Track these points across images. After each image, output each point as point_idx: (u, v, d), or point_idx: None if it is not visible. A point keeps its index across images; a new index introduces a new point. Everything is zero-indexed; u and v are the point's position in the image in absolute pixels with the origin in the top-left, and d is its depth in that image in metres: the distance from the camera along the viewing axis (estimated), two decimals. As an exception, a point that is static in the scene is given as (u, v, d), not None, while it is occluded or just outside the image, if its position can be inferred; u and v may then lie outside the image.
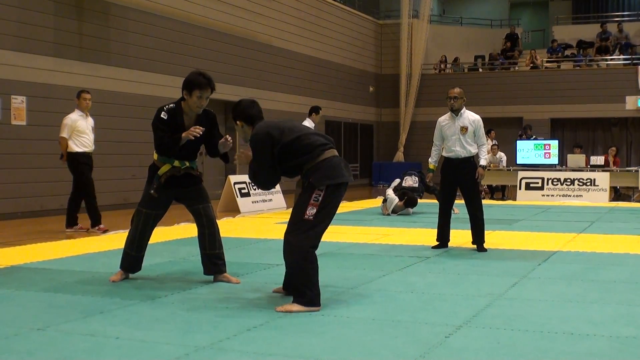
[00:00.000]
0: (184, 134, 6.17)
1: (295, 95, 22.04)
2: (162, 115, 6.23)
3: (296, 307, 5.31)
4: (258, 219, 12.90)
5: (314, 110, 13.86)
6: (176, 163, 6.37)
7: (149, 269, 7.22)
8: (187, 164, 6.43)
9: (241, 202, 14.49)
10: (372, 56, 27.89)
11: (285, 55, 21.67)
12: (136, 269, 6.66)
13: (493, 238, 9.76)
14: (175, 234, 10.38)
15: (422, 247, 8.89)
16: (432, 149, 9.01)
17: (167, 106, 6.33)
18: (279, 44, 21.34)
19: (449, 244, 8.91)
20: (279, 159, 5.52)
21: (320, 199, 5.40)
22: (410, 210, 13.51)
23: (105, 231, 10.74)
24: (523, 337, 4.59)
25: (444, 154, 8.80)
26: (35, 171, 13.40)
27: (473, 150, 8.66)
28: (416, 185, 14.03)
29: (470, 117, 8.75)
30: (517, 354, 4.25)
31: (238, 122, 5.83)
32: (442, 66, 28.41)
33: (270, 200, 15.40)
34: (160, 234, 9.98)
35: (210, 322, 4.99)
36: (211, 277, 6.55)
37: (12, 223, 12.25)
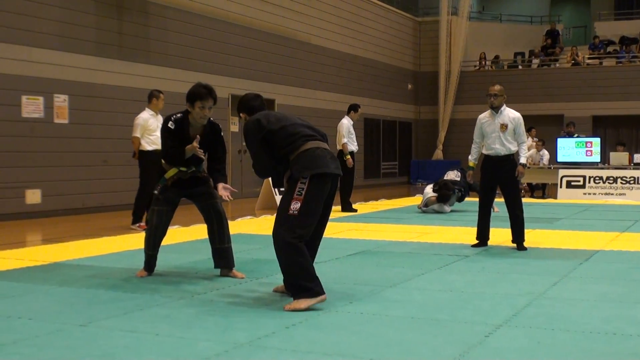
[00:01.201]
0: (188, 147, 6.33)
1: (334, 93, 22.03)
2: (169, 125, 6.39)
3: (304, 302, 5.23)
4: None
5: (352, 109, 13.85)
6: (182, 168, 6.52)
7: (188, 266, 7.28)
8: (194, 168, 6.55)
9: (279, 199, 14.49)
10: (411, 54, 27.78)
11: (324, 53, 21.67)
12: (152, 268, 6.78)
13: (533, 237, 9.67)
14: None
15: (461, 246, 8.84)
16: (472, 146, 8.96)
17: (174, 116, 6.46)
18: (318, 42, 21.35)
19: (489, 243, 8.85)
20: (268, 148, 5.55)
21: (303, 192, 5.35)
22: (447, 208, 13.41)
23: (145, 230, 10.83)
24: (564, 337, 4.54)
25: (484, 151, 8.74)
26: (77, 169, 13.55)
27: (513, 148, 8.59)
28: (457, 179, 13.92)
29: (511, 114, 8.67)
30: (558, 354, 4.20)
31: (242, 115, 5.92)
32: (482, 63, 28.21)
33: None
34: (197, 232, 10.04)
35: (248, 319, 5.00)
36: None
37: (54, 220, 12.40)
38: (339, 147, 13.46)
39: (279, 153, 5.54)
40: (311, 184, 5.37)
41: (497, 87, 8.67)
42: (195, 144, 6.31)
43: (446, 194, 13.27)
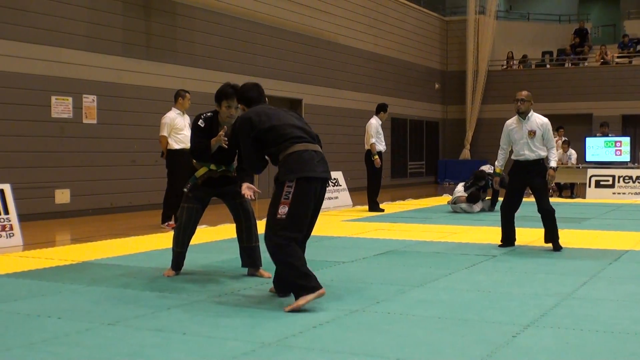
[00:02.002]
0: (213, 140, 6.37)
1: (361, 92, 22.01)
2: (199, 123, 6.49)
3: (302, 300, 5.22)
4: (324, 217, 12.90)
5: (381, 109, 13.81)
6: (212, 167, 6.56)
7: (215, 265, 7.31)
8: (224, 167, 6.59)
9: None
10: (438, 53, 27.69)
11: (351, 52, 21.66)
12: (180, 266, 6.82)
13: (562, 237, 9.58)
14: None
15: (489, 246, 8.80)
16: (499, 152, 8.92)
17: (204, 114, 6.55)
18: (345, 41, 21.35)
19: (516, 243, 8.80)
20: (259, 145, 5.57)
21: (290, 195, 5.32)
22: (476, 207, 13.35)
23: (174, 228, 10.89)
24: (592, 338, 4.51)
25: (513, 156, 8.69)
26: (105, 169, 13.66)
27: (542, 153, 8.52)
28: (491, 171, 13.86)
29: (538, 120, 8.59)
30: (586, 354, 4.17)
31: (240, 105, 5.96)
32: (510, 63, 28.06)
33: (337, 197, 15.43)
34: (225, 232, 10.08)
35: (275, 318, 5.01)
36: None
37: (83, 220, 12.50)
38: (367, 147, 13.45)
39: (268, 151, 5.57)
40: (297, 188, 5.33)
41: (524, 93, 8.59)
42: (222, 133, 6.31)
43: (476, 194, 13.23)
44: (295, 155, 5.41)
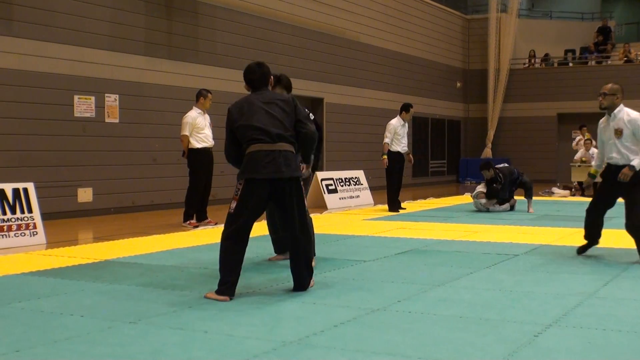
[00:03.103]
0: None
1: (382, 91, 21.98)
2: None
3: (212, 294, 5.68)
4: (345, 215, 12.92)
5: (404, 108, 13.74)
6: None
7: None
8: None
9: (328, 198, 14.57)
10: (460, 51, 27.60)
11: (372, 51, 21.63)
12: (280, 249, 7.52)
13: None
14: (262, 230, 10.47)
15: (510, 245, 8.76)
16: (597, 152, 8.08)
17: None
18: (366, 40, 21.33)
19: (538, 242, 8.73)
20: (235, 139, 5.91)
21: (239, 193, 5.75)
22: (499, 206, 13.28)
23: (196, 227, 10.94)
24: (616, 337, 4.48)
25: (606, 159, 7.71)
26: (127, 168, 13.72)
27: (632, 156, 7.36)
28: (506, 165, 13.94)
29: (626, 116, 7.43)
30: (610, 354, 4.14)
31: (246, 86, 6.14)
32: (531, 61, 27.91)
33: (358, 196, 15.43)
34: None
35: (296, 317, 5.02)
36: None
37: (105, 218, 12.57)
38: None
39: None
40: (245, 187, 5.73)
41: (608, 86, 7.52)
42: None
43: (495, 189, 13.15)
44: (248, 156, 5.76)
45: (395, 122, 13.50)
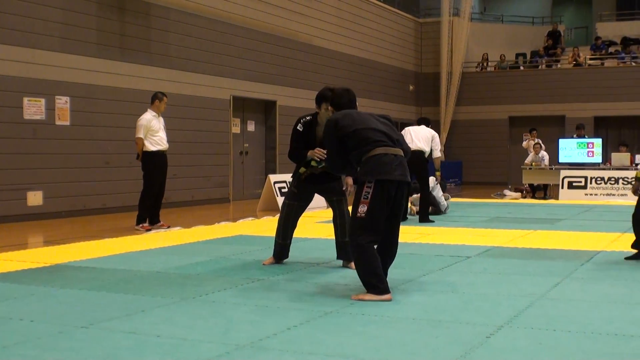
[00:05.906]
0: (309, 153, 6.96)
1: (335, 94, 21.97)
2: (298, 127, 7.12)
3: (369, 296, 5.61)
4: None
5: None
6: (313, 163, 7.05)
7: (190, 267, 7.28)
8: (324, 164, 6.90)
9: (281, 201, 14.53)
10: (412, 55, 27.77)
11: (325, 54, 21.67)
12: (283, 256, 7.45)
13: (535, 237, 9.67)
14: (216, 233, 10.44)
15: (463, 247, 8.84)
16: None
17: (304, 118, 7.15)
18: (320, 43, 21.35)
19: (490, 244, 8.82)
20: (343, 147, 5.93)
21: (369, 195, 5.66)
22: (443, 203, 13.13)
23: (148, 230, 10.86)
24: (566, 338, 4.54)
25: None
26: (79, 171, 13.56)
27: None
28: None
29: None
30: (560, 354, 4.20)
31: (329, 108, 6.37)
32: (485, 64, 28.20)
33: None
34: (201, 233, 10.06)
35: (250, 320, 5.01)
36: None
37: (56, 222, 12.42)
38: None
39: (352, 153, 5.88)
40: (376, 188, 5.67)
41: None
42: (317, 152, 6.85)
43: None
44: (376, 158, 5.74)
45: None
